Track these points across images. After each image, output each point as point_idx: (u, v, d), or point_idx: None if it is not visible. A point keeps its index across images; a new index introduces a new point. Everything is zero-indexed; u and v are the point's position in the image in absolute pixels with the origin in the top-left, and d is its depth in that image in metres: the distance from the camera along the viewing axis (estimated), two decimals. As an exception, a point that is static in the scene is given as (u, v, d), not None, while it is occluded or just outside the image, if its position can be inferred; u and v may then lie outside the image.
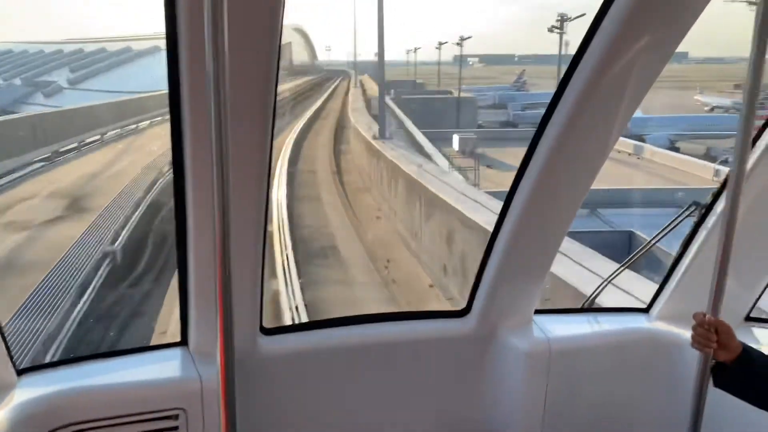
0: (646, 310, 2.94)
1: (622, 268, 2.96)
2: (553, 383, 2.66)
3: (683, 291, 2.68)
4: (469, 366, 2.84)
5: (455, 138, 29.20)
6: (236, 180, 1.63)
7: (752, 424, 2.24)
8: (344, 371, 2.71)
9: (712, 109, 39.88)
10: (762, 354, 1.86)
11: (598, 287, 3.04)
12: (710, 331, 1.84)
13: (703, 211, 2.63)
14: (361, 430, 2.78)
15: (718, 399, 1.95)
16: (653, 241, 2.81)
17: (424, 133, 27.36)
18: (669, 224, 2.70)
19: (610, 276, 2.99)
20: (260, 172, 2.01)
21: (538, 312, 2.91)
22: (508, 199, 2.50)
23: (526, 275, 2.68)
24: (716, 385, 1.88)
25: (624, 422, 2.72)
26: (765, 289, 2.69)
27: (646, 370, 2.66)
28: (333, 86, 60.45)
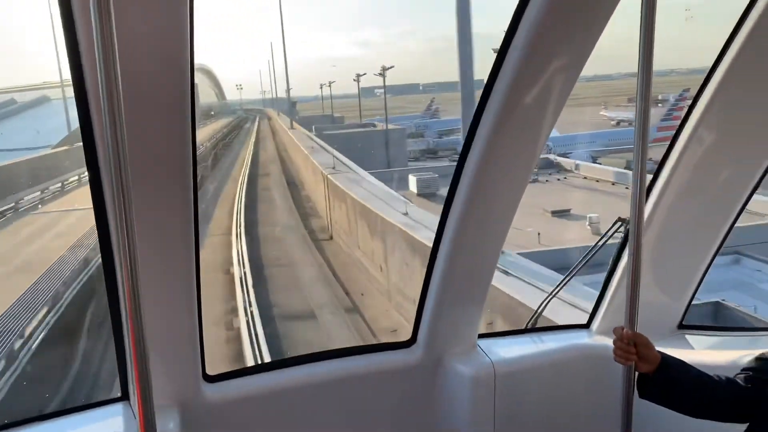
0: (586, 326, 3.02)
1: (562, 285, 3.03)
2: (500, 405, 2.70)
3: (617, 305, 2.77)
4: (419, 396, 2.86)
5: (412, 179, 25.01)
6: (153, 229, 1.64)
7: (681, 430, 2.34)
8: (293, 412, 2.69)
9: (618, 123, 41.64)
10: (679, 361, 1.93)
11: (540, 306, 3.11)
12: (629, 345, 1.90)
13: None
14: None
15: (649, 408, 2.01)
16: (588, 256, 2.90)
17: (375, 174, 23.87)
18: (599, 240, 2.79)
19: (550, 294, 3.06)
20: (184, 223, 2.00)
21: (482, 336, 2.96)
22: (440, 227, 2.56)
23: (466, 301, 2.73)
24: (641, 395, 1.94)
25: None
26: (692, 298, 2.80)
27: (587, 384, 2.72)
28: (254, 128, 56.86)
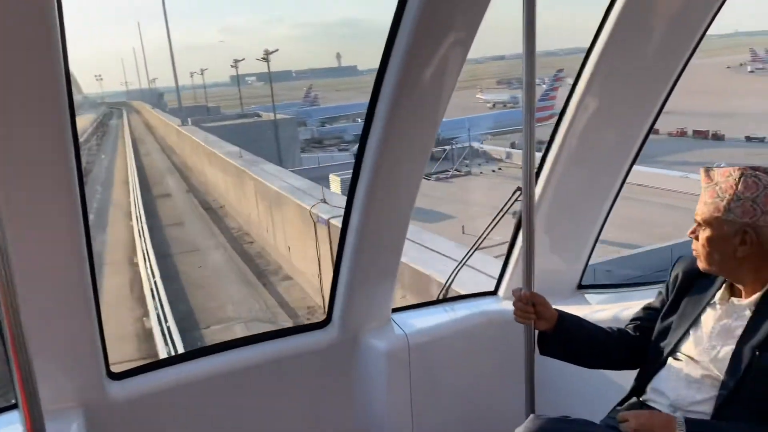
0: (494, 293, 3.14)
1: (469, 255, 3.13)
2: (415, 377, 2.76)
3: (520, 270, 2.89)
4: (337, 375, 2.88)
5: (334, 179, 22.10)
6: (34, 225, 1.54)
7: (582, 382, 2.49)
8: (208, 404, 2.63)
9: (493, 105, 42.89)
10: (575, 318, 2.05)
11: (450, 276, 3.20)
12: (528, 305, 2.00)
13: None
14: None
15: (551, 364, 2.12)
16: (490, 227, 3.01)
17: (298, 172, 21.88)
18: (502, 208, 2.90)
19: (459, 264, 3.16)
20: (70, 215, 1.89)
21: (396, 310, 3.01)
22: (348, 205, 2.56)
23: (378, 276, 2.76)
24: (541, 352, 2.05)
25: (485, 400, 2.89)
26: (588, 260, 2.97)
27: (497, 347, 2.83)
28: (125, 126, 49.26)
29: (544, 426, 1.66)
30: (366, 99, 2.34)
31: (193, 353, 2.67)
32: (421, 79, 2.20)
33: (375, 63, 2.24)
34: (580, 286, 3.05)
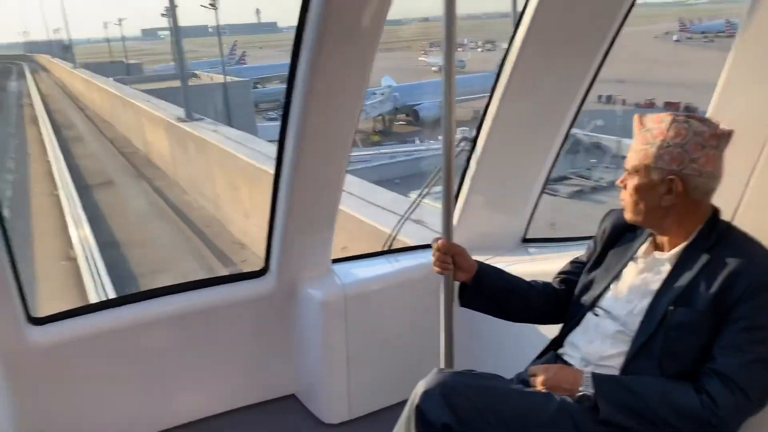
0: (438, 245, 3.10)
1: (416, 205, 3.07)
2: (351, 327, 2.74)
3: (464, 223, 2.84)
4: (273, 325, 2.85)
5: None
6: None
7: (507, 336, 2.47)
8: (139, 352, 2.59)
9: (439, 70, 40.83)
10: (495, 269, 2.00)
11: (395, 227, 3.15)
12: (446, 255, 1.94)
13: (472, 144, 2.78)
14: (165, 409, 2.71)
15: (479, 318, 2.09)
16: (434, 177, 2.93)
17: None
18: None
19: (405, 214, 3.10)
20: None
21: (338, 261, 2.96)
22: (279, 151, 2.47)
23: (315, 225, 2.70)
24: (461, 304, 2.00)
25: (416, 353, 2.87)
26: (532, 215, 2.93)
27: (430, 299, 2.80)
28: (30, 88, 38.12)
29: (444, 379, 1.63)
30: (287, 59, 2.25)
31: (123, 299, 2.62)
32: (346, 19, 2.09)
33: (294, 21, 2.14)
34: (525, 240, 3.01)
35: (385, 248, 3.18)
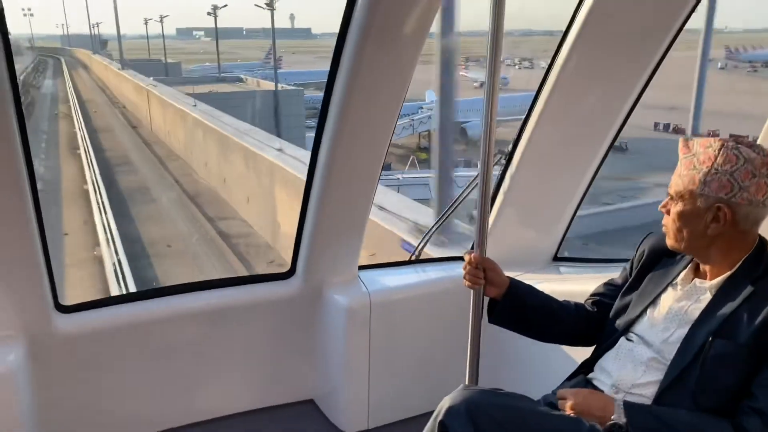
0: (467, 258, 3.06)
1: (444, 218, 3.04)
2: (375, 335, 2.71)
3: (494, 236, 2.80)
4: (297, 327, 2.83)
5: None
6: None
7: (536, 357, 2.41)
8: (161, 346, 2.60)
9: (481, 85, 39.76)
10: (527, 286, 1.95)
11: (423, 238, 3.12)
12: (478, 269, 1.90)
13: (508, 158, 2.74)
14: (182, 405, 2.71)
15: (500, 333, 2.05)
16: (469, 189, 2.90)
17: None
18: (476, 177, 2.79)
19: (433, 227, 3.07)
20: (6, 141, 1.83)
21: (365, 267, 2.94)
22: (314, 155, 2.47)
23: (344, 231, 2.69)
24: (490, 320, 1.96)
25: (439, 365, 2.83)
26: (565, 233, 2.87)
27: (459, 314, 2.76)
28: (69, 89, 31.05)
29: (470, 396, 1.59)
30: (323, 66, 2.27)
31: (150, 292, 2.63)
32: (389, 30, 2.09)
33: (329, 27, 2.05)
34: (556, 258, 2.95)
35: (413, 259, 3.15)
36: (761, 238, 1.65)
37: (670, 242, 1.71)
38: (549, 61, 2.46)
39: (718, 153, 1.57)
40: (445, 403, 1.61)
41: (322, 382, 2.88)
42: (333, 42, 2.23)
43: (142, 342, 2.54)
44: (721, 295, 1.62)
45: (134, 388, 2.57)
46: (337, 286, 2.77)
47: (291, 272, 2.81)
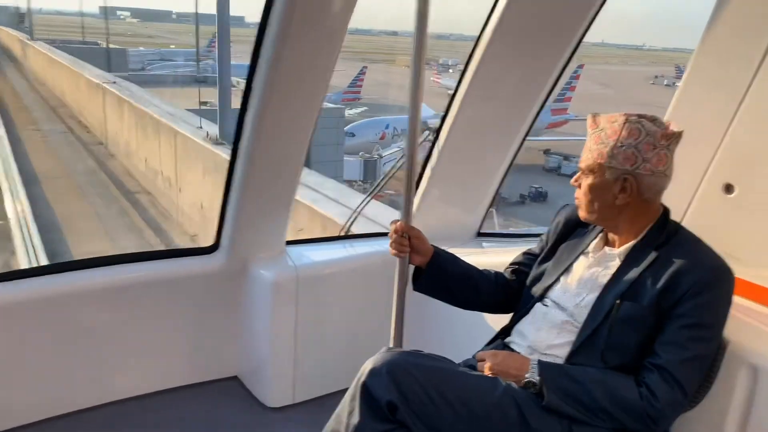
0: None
1: (370, 196, 3.07)
2: (302, 311, 2.70)
3: (420, 208, 2.85)
4: (221, 303, 2.79)
5: None
6: None
7: (457, 323, 2.49)
8: (73, 322, 2.49)
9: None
10: (451, 255, 2.01)
11: (351, 216, 3.13)
12: (403, 237, 1.94)
13: (436, 135, 2.79)
14: (99, 384, 2.61)
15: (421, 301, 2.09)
16: (398, 166, 2.94)
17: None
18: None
19: (360, 205, 3.09)
20: None
21: (293, 243, 2.92)
22: (239, 128, 2.42)
23: (271, 205, 2.66)
24: (414, 288, 2.00)
25: (366, 338, 2.86)
26: (488, 211, 2.97)
27: (384, 284, 2.80)
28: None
29: (392, 358, 1.63)
30: None
31: (59, 266, 2.50)
32: (314, 10, 2.08)
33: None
34: (480, 234, 3.04)
35: (342, 234, 3.16)
36: (664, 208, 1.76)
37: (582, 214, 1.80)
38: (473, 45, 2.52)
39: (623, 127, 1.66)
40: (367, 365, 1.64)
41: (246, 358, 2.85)
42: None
43: (51, 320, 2.43)
44: (628, 262, 1.72)
45: (42, 369, 2.45)
46: (263, 261, 2.74)
47: (215, 247, 2.76)
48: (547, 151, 30.08)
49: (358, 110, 29.08)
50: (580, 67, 35.35)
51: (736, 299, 1.66)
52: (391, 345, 2.01)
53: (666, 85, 46.89)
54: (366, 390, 1.60)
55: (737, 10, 1.83)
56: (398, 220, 1.95)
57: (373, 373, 1.61)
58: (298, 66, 2.21)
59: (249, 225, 2.66)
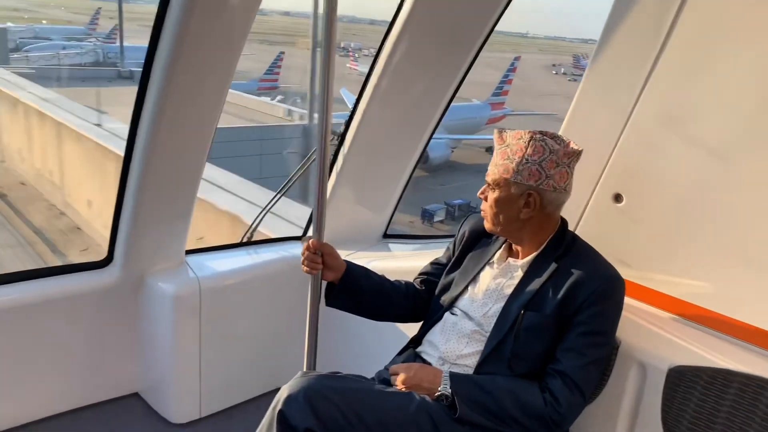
0: (300, 238, 3.06)
1: (279, 196, 2.99)
2: (206, 323, 2.61)
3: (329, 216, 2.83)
4: (117, 319, 2.62)
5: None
6: None
7: (371, 336, 2.51)
8: None
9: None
10: (362, 269, 2.01)
11: (256, 218, 3.05)
12: (316, 254, 1.92)
13: (341, 139, 2.77)
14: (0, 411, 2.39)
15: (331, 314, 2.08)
16: (304, 168, 2.88)
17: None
18: (313, 152, 2.78)
19: (267, 206, 3.01)
20: None
21: (193, 252, 2.80)
22: (132, 132, 2.27)
23: (169, 214, 2.52)
24: (327, 303, 1.99)
25: (275, 352, 2.83)
26: (394, 212, 3.00)
27: (295, 297, 2.76)
28: None
29: (308, 383, 1.61)
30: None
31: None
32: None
33: None
34: (386, 236, 3.07)
35: (245, 240, 3.07)
36: (563, 220, 1.86)
37: (488, 225, 1.86)
38: (378, 45, 2.51)
39: (528, 144, 1.73)
40: (283, 393, 1.61)
41: (147, 373, 2.71)
42: (155, 9, 2.02)
43: None
44: (530, 273, 1.81)
45: None
46: (161, 273, 2.60)
47: (108, 260, 2.59)
48: (489, 149, 29.98)
49: (276, 99, 25.65)
50: (517, 59, 33.84)
51: (627, 300, 1.79)
52: (304, 366, 1.99)
53: (554, 73, 49.10)
54: (283, 417, 1.57)
55: (630, 18, 1.94)
56: (310, 237, 1.92)
57: (290, 399, 1.58)
58: (202, 55, 2.09)
59: (145, 235, 2.51)
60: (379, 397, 1.67)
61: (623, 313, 1.77)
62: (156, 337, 2.61)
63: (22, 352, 2.44)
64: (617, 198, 2.04)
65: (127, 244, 2.50)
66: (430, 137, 2.80)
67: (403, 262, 2.79)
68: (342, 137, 2.74)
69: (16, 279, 2.43)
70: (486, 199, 1.83)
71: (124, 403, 2.72)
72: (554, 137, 1.76)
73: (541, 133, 1.75)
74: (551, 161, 1.72)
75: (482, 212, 1.87)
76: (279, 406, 1.59)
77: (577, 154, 1.76)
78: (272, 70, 31.46)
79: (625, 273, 1.78)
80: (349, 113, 2.71)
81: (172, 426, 2.62)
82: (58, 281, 2.49)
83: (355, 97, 2.69)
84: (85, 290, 2.53)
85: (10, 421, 2.45)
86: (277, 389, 1.65)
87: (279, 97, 26.16)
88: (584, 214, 2.09)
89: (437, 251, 2.17)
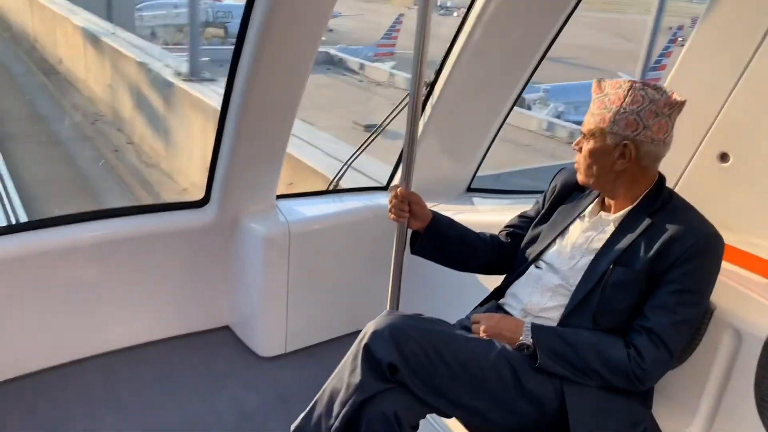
0: (386, 188, 3.10)
1: (361, 150, 3.04)
2: (294, 264, 2.72)
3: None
4: (212, 256, 2.79)
5: None
6: None
7: (452, 285, 2.54)
8: (64, 277, 2.48)
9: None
10: (448, 220, 2.02)
11: (341, 170, 3.11)
12: (403, 203, 1.94)
13: (429, 89, 2.75)
14: (90, 336, 2.63)
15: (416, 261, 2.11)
16: (388, 120, 2.90)
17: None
18: (396, 106, 2.79)
19: (350, 159, 3.06)
20: None
21: (283, 197, 2.90)
22: (229, 82, 2.36)
23: (262, 159, 2.62)
24: (412, 251, 2.02)
25: (358, 295, 2.91)
26: (479, 165, 2.97)
27: (378, 244, 2.82)
28: None
29: (393, 321, 1.66)
30: None
31: (46, 221, 2.46)
32: None
33: None
34: (470, 189, 3.06)
35: (331, 189, 3.15)
36: (660, 175, 1.78)
37: (581, 178, 1.81)
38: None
39: (627, 93, 1.66)
40: (369, 328, 1.67)
41: (238, 308, 2.88)
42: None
43: (39, 275, 2.41)
44: (623, 227, 1.76)
45: (31, 323, 2.44)
46: (254, 215, 2.73)
47: (205, 200, 2.73)
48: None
49: (390, 64, 23.99)
50: (680, 28, 27.73)
51: (725, 265, 1.71)
52: (388, 307, 2.04)
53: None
54: (368, 351, 1.63)
55: None
56: (398, 185, 1.95)
57: (376, 335, 1.64)
58: (296, 8, 2.13)
59: (240, 178, 2.63)
60: (461, 341, 1.69)
61: (720, 277, 1.70)
62: (247, 275, 2.76)
63: (128, 281, 2.64)
64: (723, 157, 1.93)
65: (223, 187, 2.63)
66: (521, 92, 2.73)
67: (486, 216, 2.77)
68: (431, 87, 2.72)
69: (121, 214, 2.63)
70: (581, 150, 1.78)
71: (216, 334, 2.91)
72: (656, 87, 1.67)
73: (642, 82, 1.68)
74: (650, 111, 1.65)
75: (576, 164, 1.82)
76: (365, 340, 1.65)
77: (679, 105, 1.67)
78: (390, 35, 28.30)
79: (726, 236, 1.69)
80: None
81: (259, 358, 2.79)
82: (160, 217, 2.67)
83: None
84: (184, 227, 2.69)
85: (107, 346, 2.69)
86: (358, 331, 1.71)
87: (392, 63, 24.85)
88: (685, 172, 1.99)
89: (522, 207, 2.15)
